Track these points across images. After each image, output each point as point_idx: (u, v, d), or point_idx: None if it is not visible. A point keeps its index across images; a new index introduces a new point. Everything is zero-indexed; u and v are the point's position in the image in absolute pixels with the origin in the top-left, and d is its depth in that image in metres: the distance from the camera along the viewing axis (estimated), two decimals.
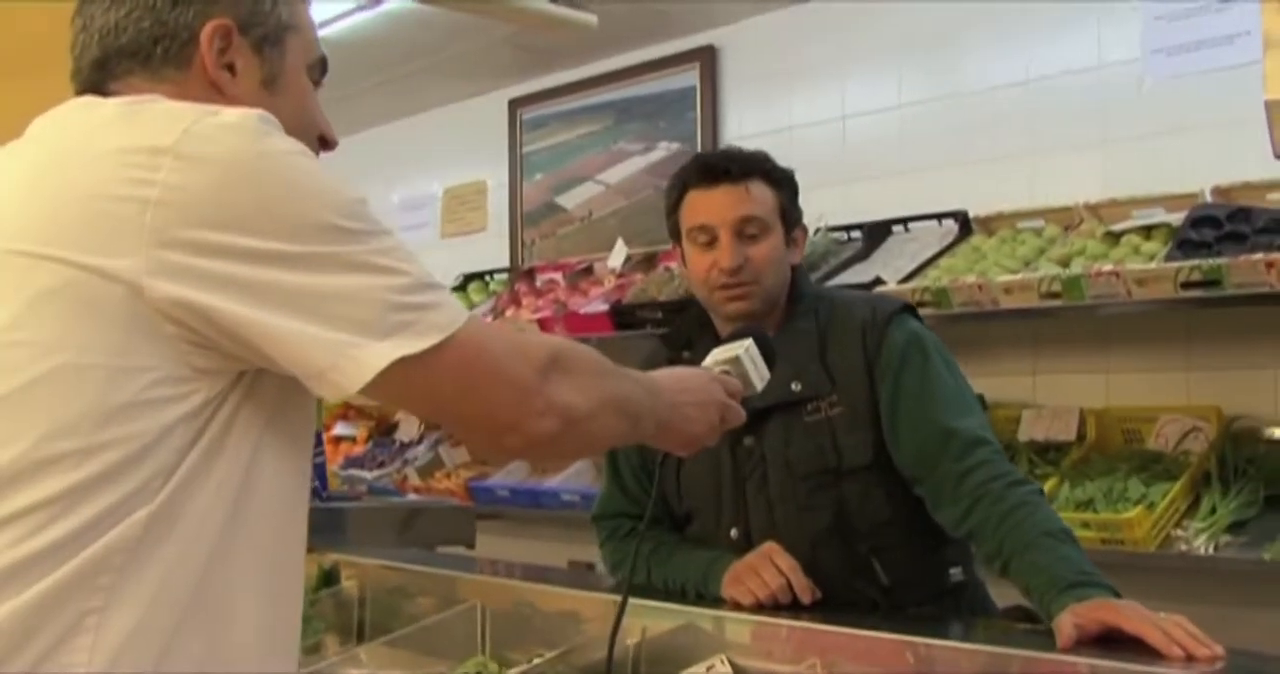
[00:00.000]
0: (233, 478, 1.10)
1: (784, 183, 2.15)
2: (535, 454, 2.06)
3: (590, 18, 3.25)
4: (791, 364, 2.05)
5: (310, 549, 2.59)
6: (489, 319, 4.72)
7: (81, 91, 1.23)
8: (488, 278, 5.24)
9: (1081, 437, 3.29)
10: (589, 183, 5.00)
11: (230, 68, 1.22)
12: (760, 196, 2.09)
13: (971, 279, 3.18)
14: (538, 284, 4.90)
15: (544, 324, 4.41)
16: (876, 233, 3.78)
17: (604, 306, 4.26)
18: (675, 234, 2.18)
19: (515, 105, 5.28)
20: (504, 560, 2.85)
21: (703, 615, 1.95)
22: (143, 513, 1.04)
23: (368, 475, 4.85)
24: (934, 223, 3.68)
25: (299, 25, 1.29)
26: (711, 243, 2.08)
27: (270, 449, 1.13)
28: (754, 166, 2.12)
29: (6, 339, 1.05)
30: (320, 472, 2.79)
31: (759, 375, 1.68)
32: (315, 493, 2.79)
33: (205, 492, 1.08)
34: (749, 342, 1.69)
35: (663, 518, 2.20)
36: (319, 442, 2.78)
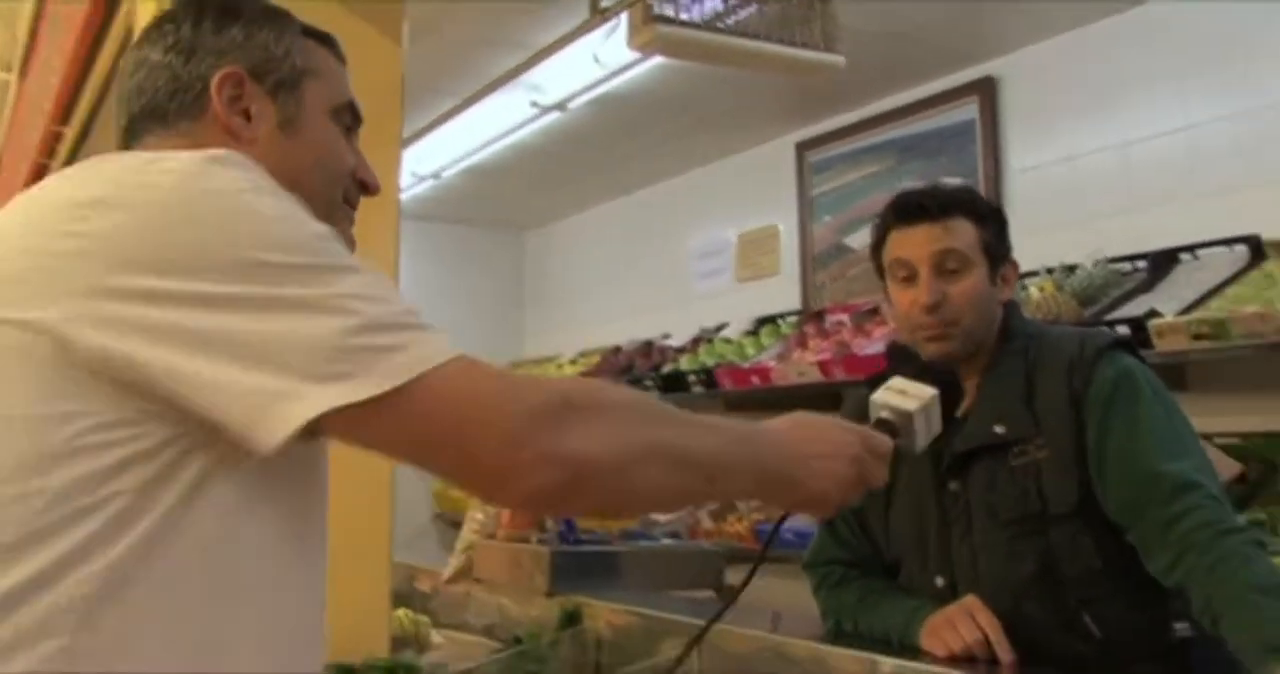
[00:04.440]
0: (214, 529, 1.04)
1: (988, 218, 2.07)
2: (541, 508, 1.93)
3: (838, 59, 3.23)
4: (996, 406, 1.97)
5: (555, 592, 2.75)
6: (774, 363, 4.73)
7: None
8: (779, 321, 5.26)
9: None
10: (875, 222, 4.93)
11: (245, 113, 1.24)
12: (960, 232, 2.02)
13: (1253, 309, 2.94)
14: (825, 326, 4.87)
15: (824, 366, 4.39)
16: (1161, 262, 3.56)
17: (884, 347, 4.18)
18: (880, 273, 2.14)
19: (801, 148, 5.30)
20: (749, 606, 2.84)
21: (902, 668, 1.90)
22: (95, 567, 1.00)
23: (662, 518, 4.93)
24: (1224, 249, 3.44)
25: (318, 70, 1.30)
26: (912, 280, 2.03)
27: (262, 499, 1.07)
28: (954, 202, 2.05)
29: None
30: (568, 517, 2.87)
31: (927, 433, 1.52)
32: (563, 537, 2.88)
33: (180, 542, 1.02)
34: (932, 394, 1.53)
35: (874, 562, 2.15)
36: None
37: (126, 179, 1.06)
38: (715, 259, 5.90)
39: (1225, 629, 1.65)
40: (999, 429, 1.95)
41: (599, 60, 3.88)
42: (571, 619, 2.63)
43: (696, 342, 5.60)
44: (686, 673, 2.27)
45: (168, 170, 1.05)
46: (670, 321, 5.92)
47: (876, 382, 2.07)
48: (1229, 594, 1.65)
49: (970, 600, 1.90)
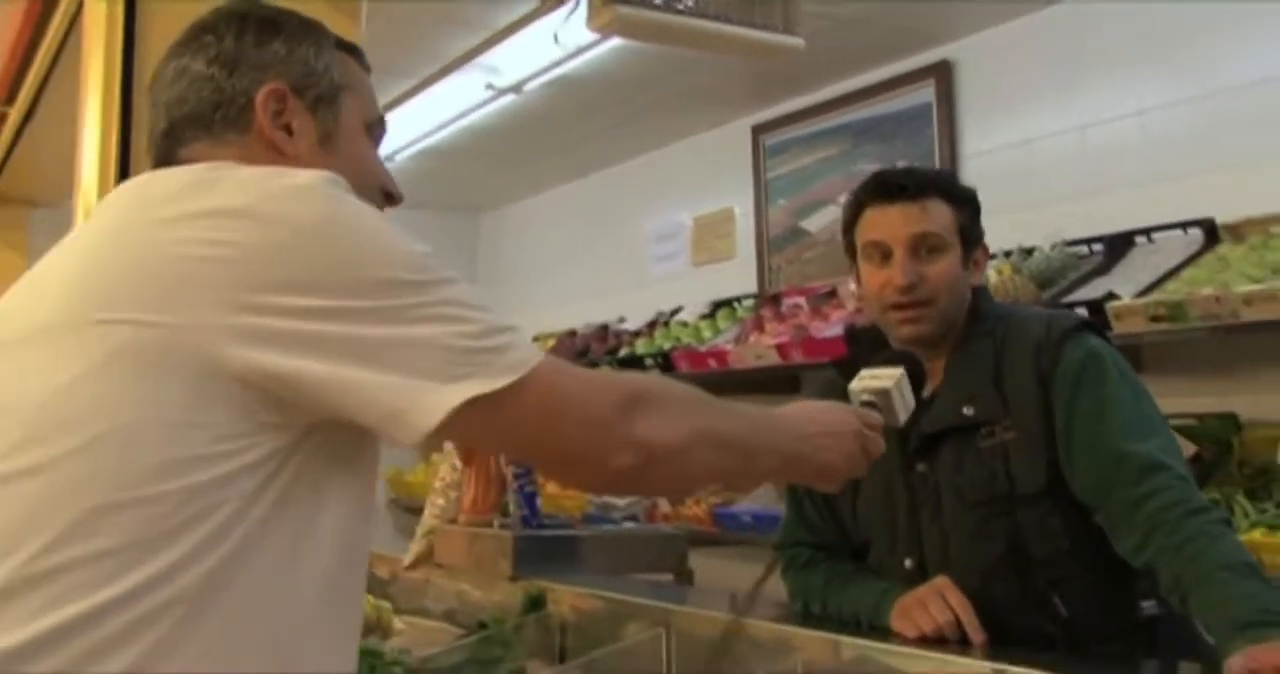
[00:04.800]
0: (296, 528, 1.13)
1: (964, 201, 2.07)
2: (620, 489, 2.08)
3: (797, 41, 3.22)
4: (964, 387, 1.98)
5: (518, 576, 2.74)
6: (731, 346, 4.74)
7: (155, 163, 1.31)
8: (736, 304, 5.26)
9: None
10: (831, 206, 4.95)
11: (287, 128, 1.28)
12: (937, 214, 2.03)
13: (1209, 291, 2.97)
14: (782, 309, 4.88)
15: (782, 349, 4.39)
16: (1117, 245, 3.59)
17: (842, 330, 4.19)
18: (851, 252, 2.13)
19: (757, 131, 5.30)
20: (712, 588, 2.85)
21: (872, 648, 1.90)
22: (206, 565, 1.07)
23: (619, 502, 4.92)
24: (1179, 232, 3.47)
25: (354, 86, 1.35)
26: (886, 259, 2.03)
27: (333, 498, 1.16)
28: (932, 184, 2.06)
29: (76, 394, 1.08)
30: (530, 502, 2.85)
31: (905, 408, 1.68)
32: (526, 521, 2.87)
33: (269, 542, 1.11)
34: (900, 373, 1.67)
35: (842, 546, 2.16)
36: (528, 472, 2.85)
37: (264, 191, 1.12)
38: (671, 242, 5.89)
39: (1194, 607, 1.66)
40: (967, 411, 1.96)
41: (559, 41, 3.84)
42: (536, 604, 2.61)
43: (652, 325, 5.59)
44: (656, 656, 2.27)
45: (300, 187, 1.13)
46: (625, 305, 5.90)
47: (843, 365, 2.10)
48: (1198, 573, 1.66)
49: (941, 581, 1.90)
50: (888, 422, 1.61)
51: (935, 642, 1.86)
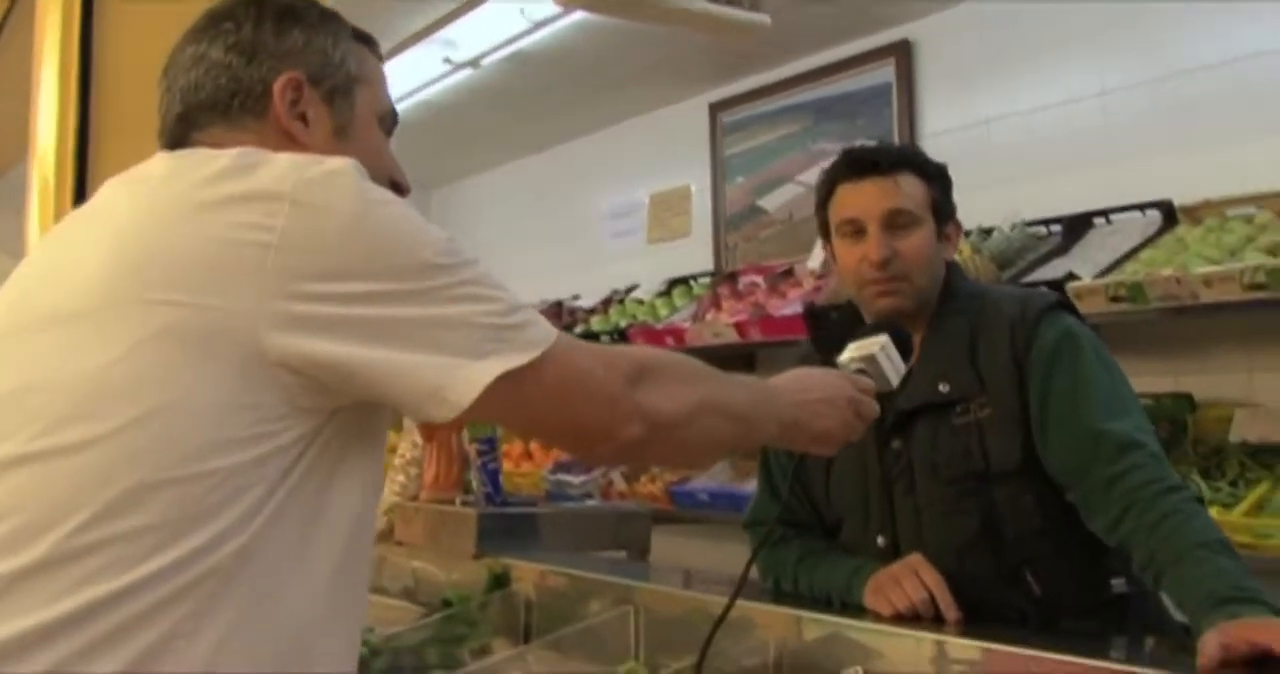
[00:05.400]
0: (310, 507, 1.16)
1: (936, 176, 2.08)
2: (629, 460, 2.11)
3: (763, 18, 3.20)
4: (939, 364, 1.98)
5: (482, 554, 2.72)
6: (689, 324, 4.74)
7: (168, 145, 1.31)
8: (692, 282, 5.25)
9: None
10: (789, 184, 4.95)
11: (303, 117, 1.30)
12: (910, 189, 2.03)
13: (1169, 272, 2.99)
14: (739, 287, 4.87)
15: (740, 328, 4.39)
16: (1076, 226, 3.61)
17: (800, 309, 4.19)
18: (825, 230, 2.14)
19: (715, 109, 5.28)
20: (676, 566, 2.84)
21: (844, 625, 1.90)
22: (235, 544, 1.10)
23: (574, 480, 4.91)
24: (1137, 214, 3.50)
25: (368, 78, 1.37)
26: (860, 235, 2.03)
27: (343, 478, 1.19)
28: (903, 159, 2.07)
29: (118, 374, 1.10)
30: (493, 478, 2.83)
31: (895, 371, 1.70)
32: (489, 499, 2.85)
33: (289, 521, 1.14)
34: (884, 338, 1.69)
35: (814, 524, 2.16)
36: (491, 448, 2.83)
37: (301, 178, 1.14)
38: (626, 219, 5.87)
39: (1167, 584, 1.68)
40: (943, 387, 1.96)
41: (525, 14, 3.81)
42: (500, 581, 2.60)
43: (608, 302, 5.57)
44: (623, 633, 2.26)
45: (336, 173, 1.15)
46: (580, 282, 5.87)
47: (819, 340, 2.11)
48: (1173, 550, 1.67)
49: (915, 558, 1.91)
50: (880, 386, 1.64)
51: (909, 619, 1.87)
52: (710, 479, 4.58)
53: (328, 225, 1.12)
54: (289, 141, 1.27)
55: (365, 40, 1.39)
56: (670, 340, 4.74)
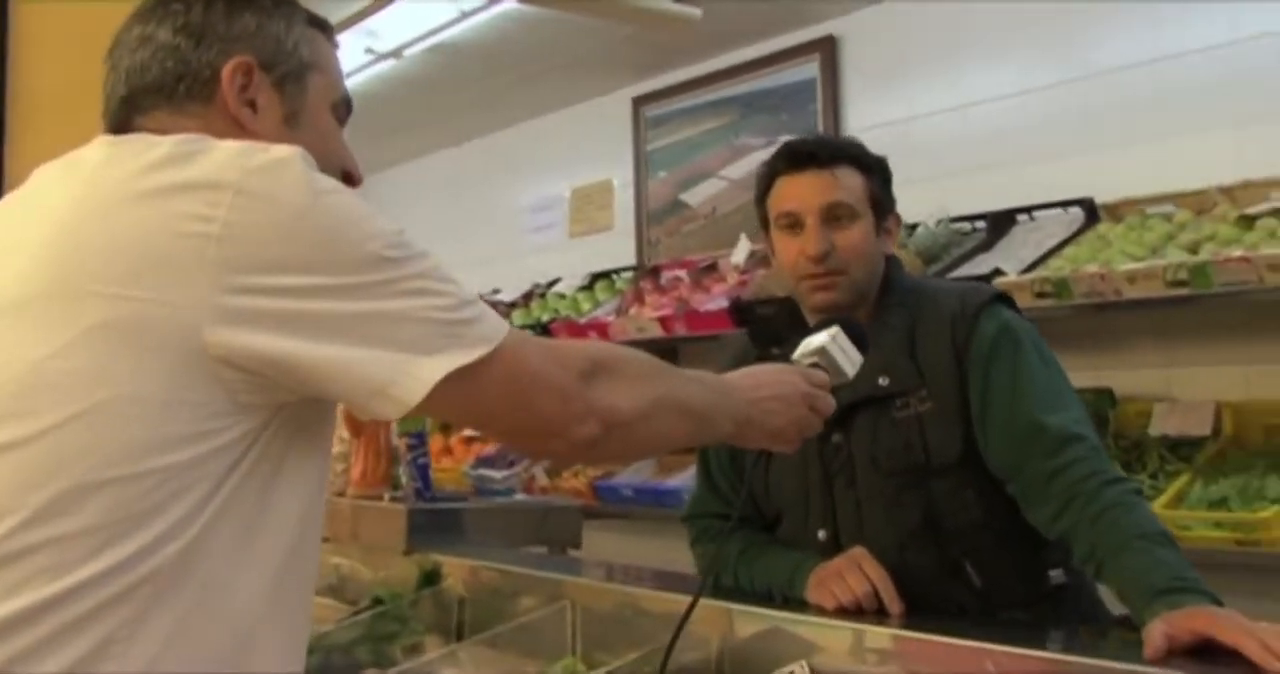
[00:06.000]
0: (253, 507, 1.12)
1: (875, 169, 2.08)
2: (582, 458, 2.08)
3: (694, 11, 3.20)
4: (880, 358, 1.98)
5: (412, 550, 2.68)
6: (612, 318, 4.72)
7: (110, 128, 1.26)
8: (614, 277, 5.23)
9: (1218, 431, 3.12)
10: (713, 179, 4.95)
11: (252, 104, 1.25)
12: (849, 183, 2.03)
13: (1093, 268, 3.04)
14: (662, 282, 4.87)
15: (665, 322, 4.38)
16: (1000, 223, 3.65)
17: (725, 303, 4.20)
18: (764, 223, 2.13)
19: (638, 103, 5.27)
20: (608, 561, 2.83)
21: (786, 619, 1.90)
22: (176, 545, 1.06)
23: (496, 475, 4.87)
24: (1060, 211, 3.55)
25: (322, 65, 1.32)
26: (797, 229, 2.03)
27: (288, 476, 1.15)
28: (843, 152, 2.06)
29: (55, 369, 1.06)
30: (423, 473, 2.80)
31: (849, 362, 1.67)
32: (419, 494, 2.81)
33: (231, 523, 1.10)
34: (835, 329, 1.68)
35: (754, 518, 2.15)
36: (421, 443, 2.79)
37: (246, 167, 1.09)
38: (548, 213, 5.84)
39: (1110, 575, 1.69)
40: (883, 381, 1.96)
41: (455, 3, 3.76)
42: (431, 578, 2.57)
43: (529, 296, 5.53)
44: (560, 629, 2.24)
45: (282, 162, 1.11)
46: (500, 276, 5.83)
47: (758, 334, 2.10)
48: (1114, 542, 1.69)
49: (857, 552, 1.91)
50: (835, 379, 1.62)
51: (852, 613, 1.86)
52: (634, 474, 4.57)
53: (272, 216, 1.08)
54: (236, 128, 1.23)
55: (320, 26, 1.35)
56: (594, 335, 4.72)
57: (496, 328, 1.16)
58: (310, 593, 1.23)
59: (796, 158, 2.05)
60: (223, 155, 1.11)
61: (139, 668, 1.05)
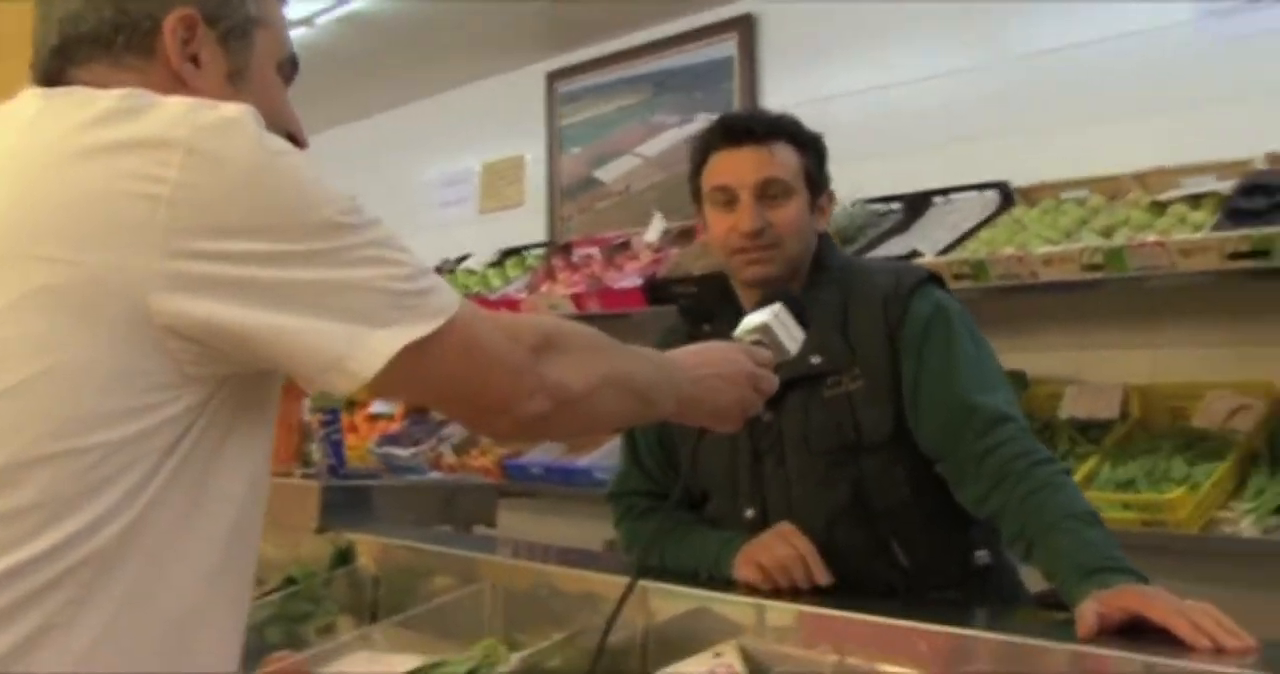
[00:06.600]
0: (196, 485, 1.08)
1: (810, 146, 2.07)
2: (529, 435, 2.05)
3: None
4: (812, 336, 1.97)
5: (325, 529, 2.62)
6: (524, 295, 4.67)
7: (41, 80, 1.20)
8: (525, 253, 5.18)
9: (1125, 414, 3.17)
10: (627, 156, 4.92)
11: (194, 59, 1.19)
12: (785, 159, 2.01)
13: (1010, 251, 3.07)
14: (574, 259, 4.82)
15: (578, 299, 4.35)
16: (916, 204, 3.66)
17: (638, 281, 4.18)
18: (697, 197, 2.10)
19: (552, 78, 5.20)
20: (524, 540, 2.80)
21: (713, 599, 1.89)
22: (117, 525, 1.02)
23: (402, 453, 4.81)
24: (975, 194, 3.57)
25: (268, 21, 1.26)
26: (732, 204, 2.01)
27: (232, 452, 1.11)
28: (779, 128, 2.04)
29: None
30: (337, 450, 2.74)
31: (791, 338, 1.66)
32: (333, 471, 2.75)
33: (173, 500, 1.06)
34: (778, 306, 1.67)
35: (681, 497, 2.13)
36: (335, 419, 2.73)
37: (194, 124, 1.04)
38: (457, 188, 5.76)
39: (1039, 555, 1.69)
40: (815, 359, 1.95)
41: None
42: (345, 557, 2.52)
43: (437, 272, 5.44)
44: (478, 610, 2.21)
45: (232, 121, 1.06)
46: None
47: (690, 311, 2.09)
48: (1043, 522, 1.70)
49: (784, 526, 1.90)
50: (779, 356, 1.61)
51: (781, 588, 1.86)
52: (544, 453, 4.54)
53: (224, 177, 1.03)
54: (178, 84, 1.17)
55: None
56: (505, 311, 4.67)
57: (451, 300, 1.12)
58: (251, 574, 1.18)
59: (733, 132, 2.03)
60: (170, 112, 1.05)
61: (75, 658, 1.01)
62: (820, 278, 2.03)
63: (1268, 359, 3.06)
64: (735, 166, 2.00)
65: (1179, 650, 1.41)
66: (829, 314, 1.98)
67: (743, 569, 1.90)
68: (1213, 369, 3.14)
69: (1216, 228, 2.77)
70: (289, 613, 2.36)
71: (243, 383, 1.10)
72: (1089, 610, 1.50)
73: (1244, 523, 2.71)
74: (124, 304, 1.01)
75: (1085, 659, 1.45)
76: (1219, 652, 1.39)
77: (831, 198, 2.11)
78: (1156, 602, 1.47)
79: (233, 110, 1.07)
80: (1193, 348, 3.22)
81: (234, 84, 1.21)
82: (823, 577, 1.84)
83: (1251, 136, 3.00)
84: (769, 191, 1.99)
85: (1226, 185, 2.92)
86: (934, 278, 2.04)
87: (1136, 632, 1.48)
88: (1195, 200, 2.96)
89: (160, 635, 1.05)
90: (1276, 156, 2.91)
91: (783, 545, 1.87)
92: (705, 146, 2.06)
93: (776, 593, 1.86)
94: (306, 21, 4.51)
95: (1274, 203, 2.75)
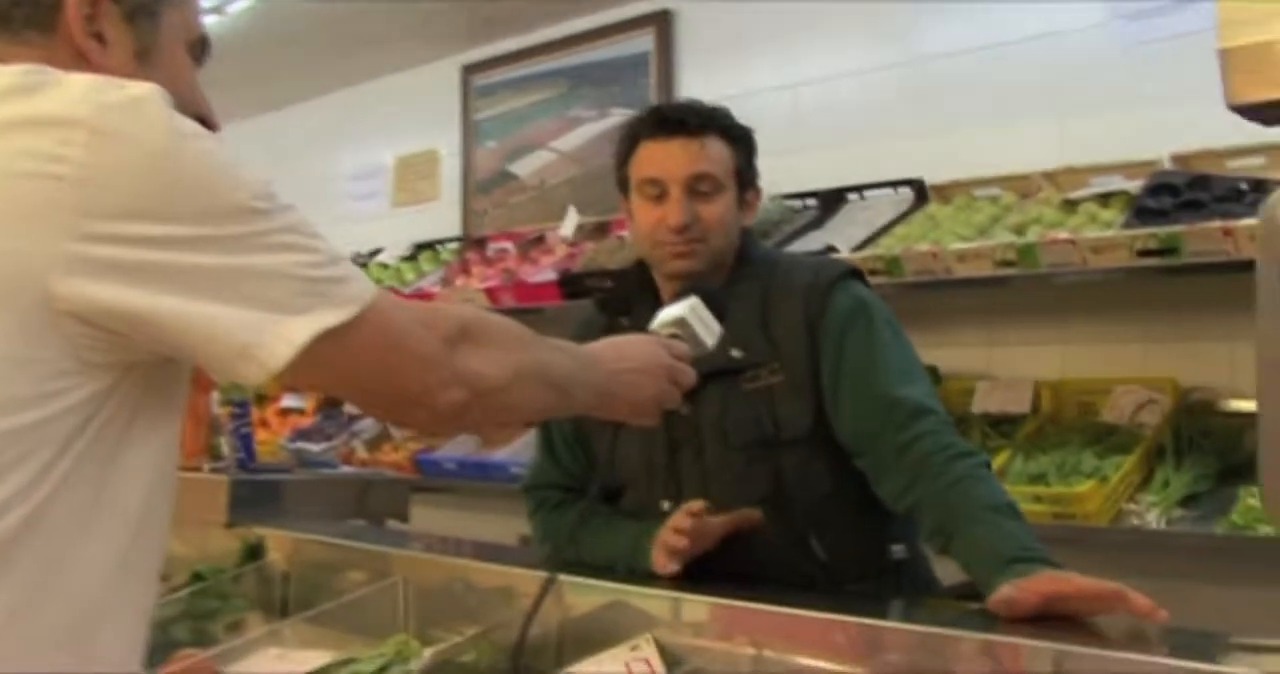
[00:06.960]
0: (100, 475, 1.05)
1: (741, 141, 2.06)
2: (444, 427, 2.01)
3: None
4: (732, 330, 1.96)
5: (234, 524, 2.57)
6: (438, 289, 4.63)
7: None
8: (439, 247, 5.13)
9: (1036, 409, 3.22)
10: (542, 150, 4.89)
11: (99, 37, 1.15)
12: (716, 153, 2.00)
13: (925, 247, 3.10)
14: (489, 253, 4.80)
15: (492, 294, 4.32)
16: (831, 201, 3.69)
17: (553, 275, 4.16)
18: (624, 186, 2.08)
19: (467, 72, 5.17)
20: (438, 535, 2.76)
21: (630, 592, 1.87)
22: (16, 516, 0.99)
23: (314, 448, 4.74)
24: (889, 191, 3.60)
25: (178, 0, 1.23)
26: (661, 197, 1.99)
27: (137, 443, 1.08)
28: (712, 121, 2.03)
29: None
30: (246, 443, 2.69)
31: (708, 332, 1.66)
32: (242, 465, 2.70)
33: (74, 491, 1.03)
34: (694, 299, 1.66)
35: (598, 490, 2.11)
36: (245, 412, 2.68)
37: (100, 102, 1.01)
38: (370, 181, 5.69)
39: (959, 547, 1.69)
40: (735, 353, 1.94)
41: None
42: (254, 553, 2.46)
43: None
44: (392, 605, 2.17)
45: (139, 100, 1.02)
46: None
47: (608, 303, 2.07)
48: (962, 514, 1.70)
49: (691, 504, 1.89)
50: (696, 350, 1.60)
51: (690, 580, 1.85)
52: (457, 448, 4.50)
53: (131, 158, 0.99)
54: (82, 62, 1.13)
55: None
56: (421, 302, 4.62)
57: (365, 287, 1.09)
58: (157, 570, 1.15)
59: (665, 124, 2.01)
60: (74, 89, 1.02)
61: None
62: (743, 272, 2.02)
63: (1173, 355, 3.12)
64: (666, 159, 1.99)
65: (1090, 638, 1.42)
66: (750, 308, 1.98)
67: (658, 557, 1.88)
68: (1121, 365, 3.20)
69: (1126, 226, 2.82)
70: (196, 610, 2.30)
71: (149, 372, 1.07)
72: (1004, 592, 1.50)
73: (1150, 515, 2.76)
74: (22, 288, 0.97)
75: (998, 648, 1.45)
76: (1137, 614, 1.41)
77: (758, 193, 2.11)
78: (1073, 578, 1.49)
79: (141, 89, 1.03)
80: (1101, 344, 3.27)
81: (141, 63, 1.18)
82: (747, 523, 1.89)
83: (1158, 137, 3.06)
84: (699, 187, 1.98)
85: (1135, 184, 2.97)
86: (855, 272, 2.04)
87: (1050, 622, 1.49)
88: (1105, 199, 3.01)
89: (59, 632, 1.02)
90: (1182, 157, 2.97)
91: (683, 516, 1.87)
92: (634, 135, 2.04)
93: (694, 584, 1.84)
94: (218, 9, 4.42)
95: (1180, 202, 2.80)
